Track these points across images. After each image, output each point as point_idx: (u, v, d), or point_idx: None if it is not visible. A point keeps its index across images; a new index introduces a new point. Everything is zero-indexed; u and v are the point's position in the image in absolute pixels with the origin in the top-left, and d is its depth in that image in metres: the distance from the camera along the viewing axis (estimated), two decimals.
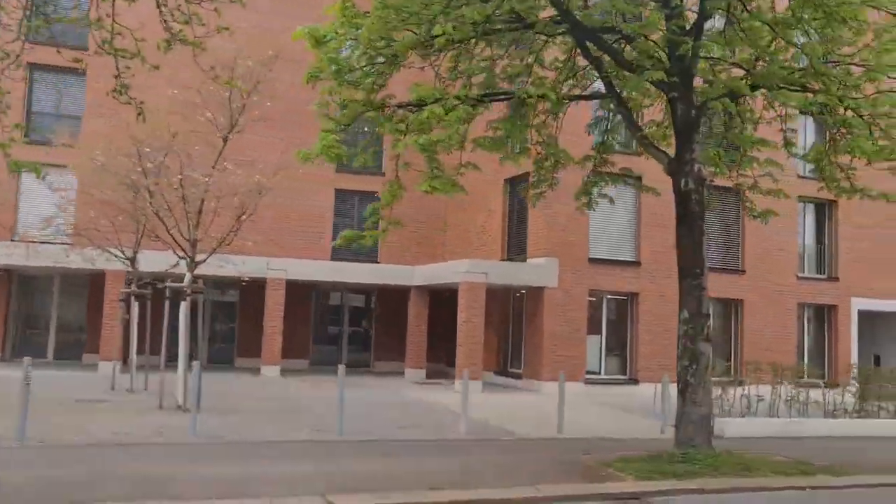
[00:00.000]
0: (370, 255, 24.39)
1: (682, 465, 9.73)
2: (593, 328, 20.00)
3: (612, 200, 13.60)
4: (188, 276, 13.25)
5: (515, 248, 21.16)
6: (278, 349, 20.32)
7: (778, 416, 14.28)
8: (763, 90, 10.85)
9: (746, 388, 15.57)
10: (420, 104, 10.21)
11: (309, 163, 10.39)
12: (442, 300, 24.05)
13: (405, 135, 10.18)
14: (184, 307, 13.35)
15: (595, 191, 13.06)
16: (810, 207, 22.96)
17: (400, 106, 10.66)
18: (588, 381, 19.17)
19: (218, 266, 14.84)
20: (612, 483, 9.12)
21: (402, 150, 10.23)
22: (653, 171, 13.63)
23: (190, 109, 13.66)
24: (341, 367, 11.69)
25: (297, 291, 23.29)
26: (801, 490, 9.60)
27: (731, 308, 21.54)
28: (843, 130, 11.42)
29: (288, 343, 23.10)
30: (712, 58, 11.20)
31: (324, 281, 22.49)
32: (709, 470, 9.71)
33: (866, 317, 23.67)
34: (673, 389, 15.75)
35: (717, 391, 14.83)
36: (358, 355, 24.47)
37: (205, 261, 13.41)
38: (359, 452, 10.20)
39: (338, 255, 23.92)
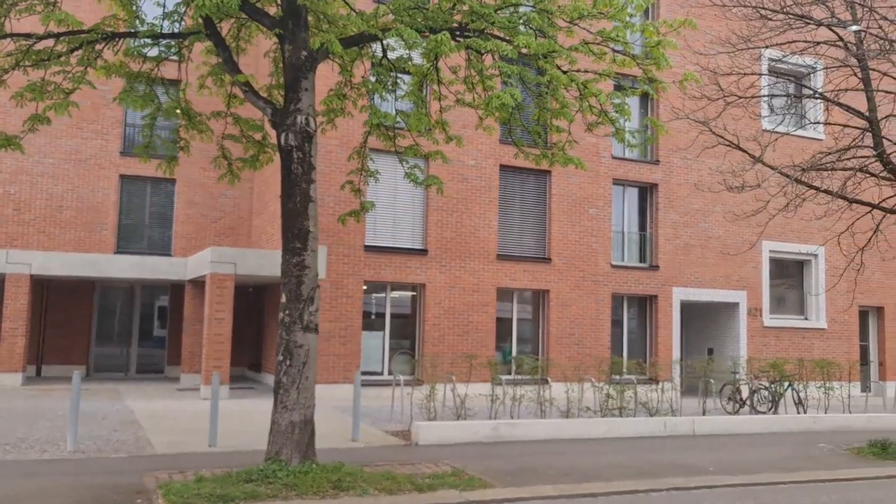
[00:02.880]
0: (163, 248, 22.23)
1: (250, 486, 7.84)
2: (373, 324, 18.14)
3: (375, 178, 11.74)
4: None
5: None
6: (20, 355, 17.96)
7: (499, 418, 12.62)
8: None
9: (549, 387, 14.11)
10: None
11: None
12: (245, 295, 22.03)
13: None
14: None
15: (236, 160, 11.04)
16: (632, 192, 21.46)
17: None
18: (366, 384, 17.21)
19: None
20: None
21: None
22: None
23: None
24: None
25: (71, 288, 21.00)
26: None
27: (537, 300, 19.88)
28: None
29: (58, 347, 20.82)
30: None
31: (106, 277, 20.17)
32: (283, 490, 7.84)
33: (697, 308, 22.33)
34: (473, 389, 14.29)
35: (514, 391, 13.31)
36: (151, 360, 22.24)
37: None
38: None
39: (124, 247, 21.76)
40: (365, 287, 17.86)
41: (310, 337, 8.57)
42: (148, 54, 10.19)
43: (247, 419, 13.45)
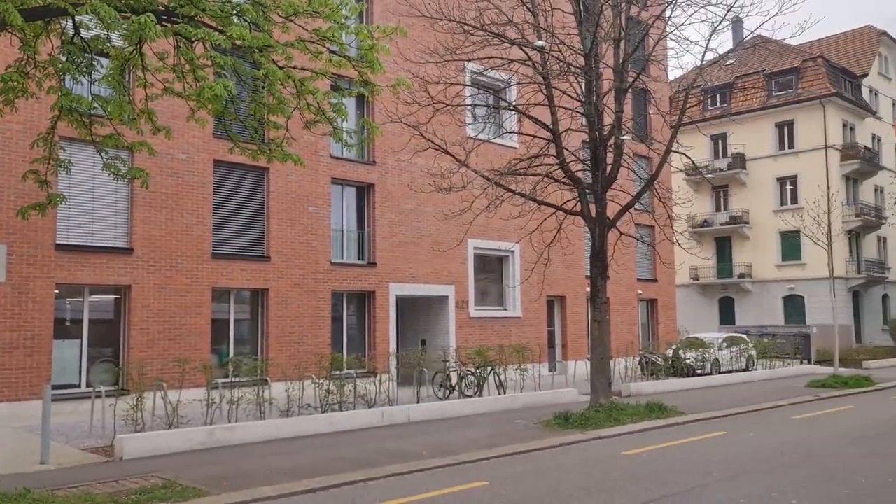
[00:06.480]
0: None
1: None
2: (68, 331, 16.27)
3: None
4: None
5: None
6: None
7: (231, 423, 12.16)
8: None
9: (269, 387, 13.68)
10: None
11: None
12: None
13: None
14: None
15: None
16: (350, 191, 21.92)
17: None
18: (59, 398, 15.31)
19: None
20: None
21: None
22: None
23: None
24: None
25: None
26: None
27: (256, 299, 19.42)
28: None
29: None
30: None
31: None
32: None
33: (412, 302, 23.51)
34: (188, 395, 13.30)
35: (233, 394, 12.74)
36: None
37: None
38: None
39: None
40: (57, 291, 15.95)
41: None
42: None
43: None
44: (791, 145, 41.19)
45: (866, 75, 44.18)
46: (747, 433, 13.32)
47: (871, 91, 44.85)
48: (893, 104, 47.21)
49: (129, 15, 8.16)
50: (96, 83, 9.89)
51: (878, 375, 25.73)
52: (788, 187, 41.09)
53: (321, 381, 14.12)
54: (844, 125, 41.35)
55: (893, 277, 44.43)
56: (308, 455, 10.99)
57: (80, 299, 16.49)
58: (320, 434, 12.86)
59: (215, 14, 8.89)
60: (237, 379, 14.46)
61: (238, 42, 8.83)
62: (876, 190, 43.82)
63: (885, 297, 43.95)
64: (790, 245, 39.90)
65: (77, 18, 8.80)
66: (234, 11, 9.07)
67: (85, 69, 9.41)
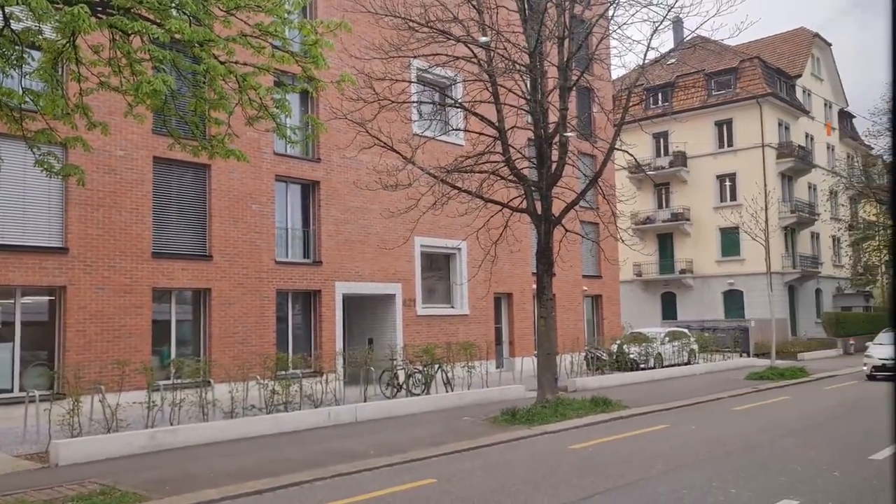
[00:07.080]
0: None
1: None
2: (1, 334, 15.63)
3: None
4: None
5: None
6: None
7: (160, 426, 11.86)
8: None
9: (212, 388, 13.39)
10: None
11: None
12: None
13: None
14: None
15: None
16: (294, 188, 21.63)
17: None
18: None
19: None
20: None
21: None
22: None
23: None
24: None
25: None
26: None
27: (198, 299, 18.99)
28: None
29: None
30: None
31: None
32: None
33: (358, 300, 23.36)
34: (127, 398, 12.90)
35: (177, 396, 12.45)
36: None
37: None
38: None
39: None
40: None
41: None
42: None
43: None
44: (730, 143, 42.39)
45: (800, 76, 45.78)
46: (689, 426, 13.66)
47: (804, 91, 46.48)
48: (825, 104, 49.03)
49: (61, 6, 7.85)
50: (27, 76, 9.50)
51: (812, 367, 26.73)
52: (728, 184, 42.27)
53: (266, 381, 13.90)
54: (780, 124, 42.75)
55: (826, 272, 46.16)
56: (253, 457, 10.81)
57: (12, 301, 15.85)
58: (265, 435, 12.66)
59: (153, 6, 8.62)
60: (179, 381, 14.13)
61: (177, 36, 8.58)
62: (809, 187, 45.45)
63: (818, 291, 45.63)
64: (729, 241, 41.06)
65: (7, 9, 8.44)
66: (173, 4, 8.81)
67: (15, 62, 9.02)
